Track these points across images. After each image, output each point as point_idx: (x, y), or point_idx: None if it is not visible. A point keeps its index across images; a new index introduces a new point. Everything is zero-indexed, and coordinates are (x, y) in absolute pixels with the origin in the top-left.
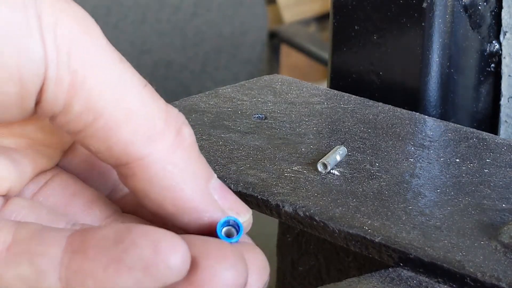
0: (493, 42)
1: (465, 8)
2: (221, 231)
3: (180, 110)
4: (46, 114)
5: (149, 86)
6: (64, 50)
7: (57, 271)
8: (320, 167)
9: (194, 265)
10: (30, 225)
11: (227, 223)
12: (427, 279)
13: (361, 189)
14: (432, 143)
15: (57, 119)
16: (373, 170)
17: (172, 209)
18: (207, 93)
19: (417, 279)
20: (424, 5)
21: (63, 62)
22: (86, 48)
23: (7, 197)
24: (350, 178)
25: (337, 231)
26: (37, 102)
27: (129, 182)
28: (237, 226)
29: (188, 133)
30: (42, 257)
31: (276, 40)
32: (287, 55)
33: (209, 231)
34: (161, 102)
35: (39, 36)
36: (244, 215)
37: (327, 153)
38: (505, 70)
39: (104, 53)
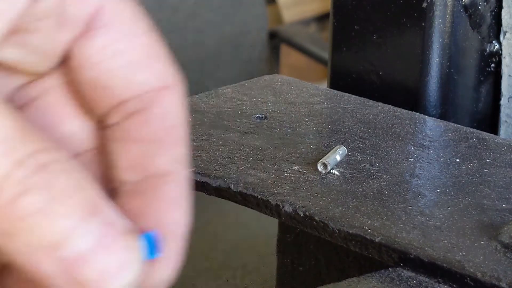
0: (493, 42)
1: (465, 8)
2: None
3: None
4: None
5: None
6: None
7: None
8: (320, 167)
9: None
10: None
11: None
12: (427, 279)
13: (361, 189)
14: (432, 143)
15: None
16: (373, 170)
17: None
18: (207, 93)
19: (417, 279)
20: (424, 5)
21: None
22: None
23: None
24: (350, 178)
25: (337, 231)
26: None
27: None
28: (154, 242)
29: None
30: None
31: (276, 40)
32: (287, 55)
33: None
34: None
35: None
36: None
37: (327, 153)
38: (505, 70)
39: None
